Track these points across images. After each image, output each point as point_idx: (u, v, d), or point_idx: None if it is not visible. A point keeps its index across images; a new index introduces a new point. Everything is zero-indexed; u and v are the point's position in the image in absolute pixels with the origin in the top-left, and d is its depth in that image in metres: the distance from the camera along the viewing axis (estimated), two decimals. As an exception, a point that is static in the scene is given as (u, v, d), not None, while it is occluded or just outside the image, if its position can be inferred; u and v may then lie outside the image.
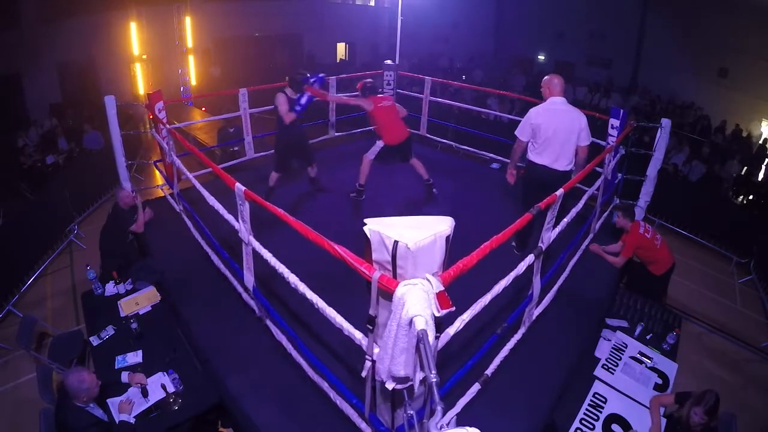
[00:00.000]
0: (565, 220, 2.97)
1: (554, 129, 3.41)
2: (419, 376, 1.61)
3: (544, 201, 2.50)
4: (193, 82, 13.05)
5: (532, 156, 3.58)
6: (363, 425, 2.16)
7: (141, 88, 12.22)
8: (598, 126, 8.64)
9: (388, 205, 4.84)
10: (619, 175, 4.90)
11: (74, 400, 2.38)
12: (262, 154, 5.66)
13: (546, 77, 3.55)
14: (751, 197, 7.83)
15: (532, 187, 3.58)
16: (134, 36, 11.67)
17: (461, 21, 16.53)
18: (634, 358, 3.20)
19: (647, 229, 3.88)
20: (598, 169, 4.04)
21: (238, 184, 2.53)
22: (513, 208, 4.61)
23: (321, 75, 4.41)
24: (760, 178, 8.73)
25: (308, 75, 4.32)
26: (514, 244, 3.99)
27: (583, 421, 2.64)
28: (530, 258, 2.53)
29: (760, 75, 10.27)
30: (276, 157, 4.71)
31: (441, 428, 1.13)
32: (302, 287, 2.14)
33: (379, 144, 4.60)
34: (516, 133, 3.61)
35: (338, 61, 16.86)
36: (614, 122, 4.47)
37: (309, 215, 4.52)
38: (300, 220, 2.07)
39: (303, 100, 4.25)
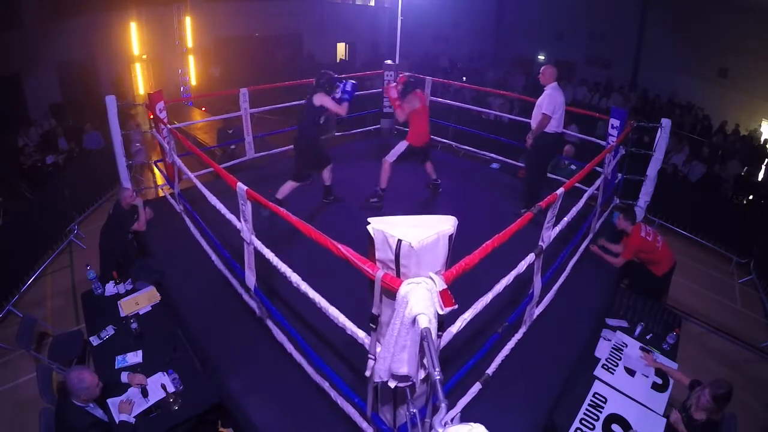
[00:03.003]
0: (565, 219, 2.97)
1: (563, 105, 4.39)
2: (421, 374, 1.61)
3: (545, 200, 2.52)
4: (193, 82, 13.05)
5: (552, 128, 4.40)
6: (365, 425, 2.16)
7: (141, 88, 12.22)
8: (599, 126, 8.65)
9: (391, 204, 4.83)
10: (619, 175, 4.90)
11: (74, 399, 2.38)
12: (262, 153, 5.67)
13: (545, 68, 4.44)
14: (751, 197, 7.84)
15: (550, 151, 4.67)
16: (134, 36, 11.66)
17: (461, 21, 16.55)
18: (634, 357, 3.20)
19: (648, 232, 3.85)
20: (598, 169, 4.05)
21: (239, 184, 2.53)
22: (513, 208, 4.63)
23: (351, 82, 4.14)
24: (760, 178, 8.75)
25: (335, 75, 4.17)
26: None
27: (583, 421, 2.64)
28: (531, 257, 2.53)
29: (760, 75, 10.28)
30: (299, 166, 4.33)
31: (445, 425, 1.13)
32: (304, 286, 2.14)
33: (403, 145, 4.44)
34: (547, 112, 4.34)
35: (338, 61, 16.86)
36: (614, 122, 4.48)
37: (309, 215, 4.52)
38: (302, 219, 2.07)
39: (349, 86, 4.10)
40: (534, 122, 4.49)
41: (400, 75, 4.60)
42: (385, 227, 1.57)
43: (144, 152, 7.12)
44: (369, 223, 1.62)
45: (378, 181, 4.56)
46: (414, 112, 4.44)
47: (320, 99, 4.07)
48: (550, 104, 4.30)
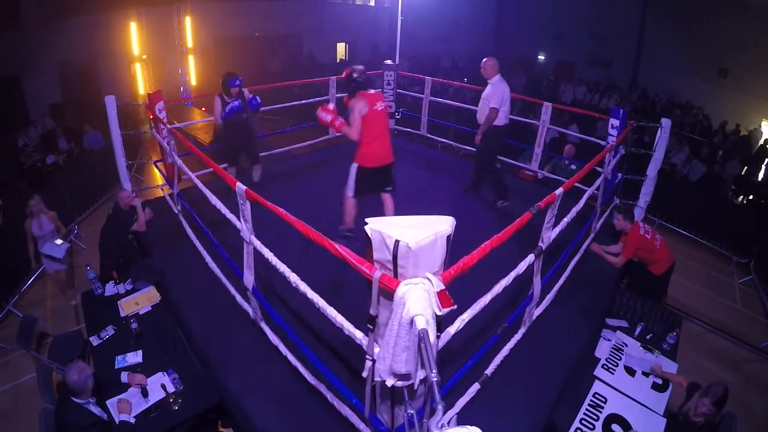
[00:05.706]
0: (565, 219, 2.96)
1: (509, 97, 4.44)
2: (420, 374, 1.61)
3: (544, 200, 2.51)
4: (193, 82, 13.05)
5: (501, 121, 4.46)
6: (362, 425, 2.16)
7: (141, 88, 12.23)
8: (598, 126, 8.63)
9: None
10: (619, 175, 4.90)
11: (74, 398, 2.38)
12: (262, 153, 5.65)
13: (486, 60, 4.48)
14: (751, 197, 7.84)
15: (499, 143, 4.68)
16: (134, 36, 11.68)
17: (461, 21, 16.55)
18: (634, 358, 3.19)
19: (647, 230, 3.88)
20: (598, 168, 4.05)
21: (239, 183, 2.53)
22: (513, 208, 4.63)
23: (233, 105, 4.37)
24: (760, 178, 8.74)
25: (236, 78, 4.33)
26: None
27: (583, 421, 2.64)
28: (530, 258, 2.53)
29: (760, 75, 10.28)
30: (224, 153, 4.78)
31: (442, 427, 1.13)
32: (303, 286, 2.14)
33: (353, 169, 3.53)
34: (495, 105, 4.36)
35: (338, 61, 16.86)
36: (614, 122, 4.47)
37: (309, 215, 4.51)
38: (299, 219, 2.07)
39: (230, 107, 4.32)
40: (481, 116, 4.53)
41: (345, 70, 3.64)
42: (382, 228, 1.57)
43: (71, 254, 4.94)
44: (367, 224, 1.62)
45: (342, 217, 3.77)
46: (372, 120, 3.39)
47: (214, 102, 4.33)
48: (497, 97, 4.35)
